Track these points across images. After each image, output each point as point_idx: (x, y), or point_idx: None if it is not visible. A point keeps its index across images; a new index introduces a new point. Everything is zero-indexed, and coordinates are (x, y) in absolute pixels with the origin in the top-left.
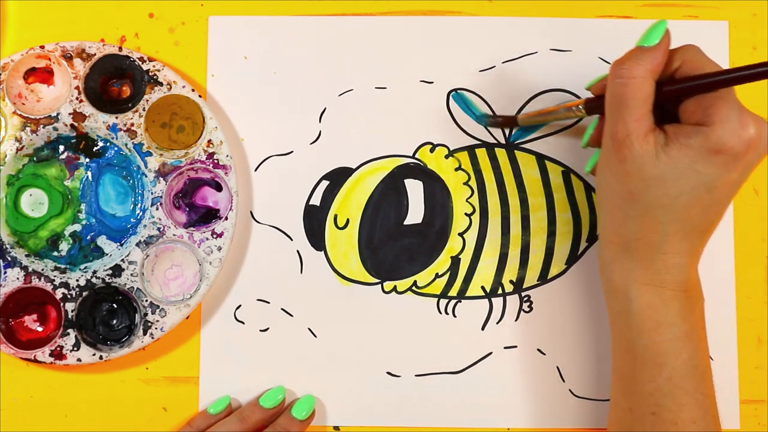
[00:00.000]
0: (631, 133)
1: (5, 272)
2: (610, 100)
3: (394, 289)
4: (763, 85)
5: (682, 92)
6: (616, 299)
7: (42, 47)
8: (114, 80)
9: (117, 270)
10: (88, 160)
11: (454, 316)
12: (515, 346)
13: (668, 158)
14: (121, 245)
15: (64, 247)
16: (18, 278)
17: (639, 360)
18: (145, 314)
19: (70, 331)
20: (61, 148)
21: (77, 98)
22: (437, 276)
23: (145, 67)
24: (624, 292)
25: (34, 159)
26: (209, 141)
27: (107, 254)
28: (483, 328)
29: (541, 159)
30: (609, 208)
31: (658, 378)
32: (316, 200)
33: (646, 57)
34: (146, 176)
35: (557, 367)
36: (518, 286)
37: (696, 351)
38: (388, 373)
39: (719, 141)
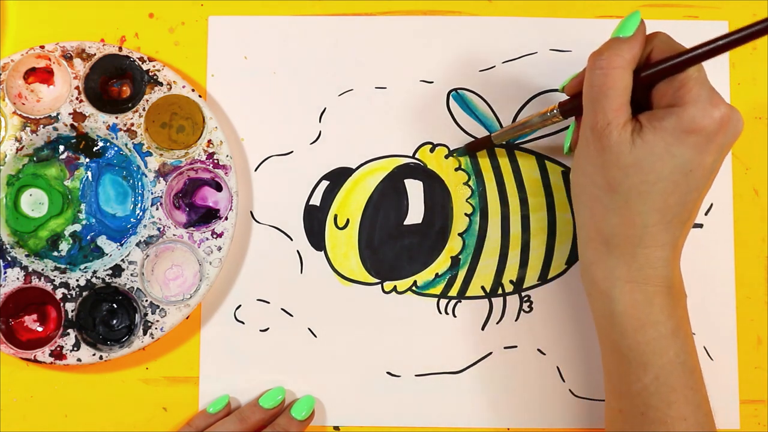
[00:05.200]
0: (611, 122)
1: (5, 272)
2: (590, 90)
3: (394, 289)
4: (763, 86)
5: (656, 76)
6: (599, 301)
7: (42, 47)
8: (114, 80)
9: (117, 270)
10: (88, 160)
11: (454, 316)
12: (515, 346)
13: (644, 143)
14: (121, 245)
15: (64, 247)
16: (18, 278)
17: (625, 360)
18: (145, 314)
19: (70, 331)
20: (61, 148)
21: (77, 98)
22: (437, 276)
23: (145, 67)
24: (607, 293)
25: (34, 159)
26: (209, 141)
27: (107, 254)
28: (483, 328)
29: (541, 159)
30: (588, 202)
31: (645, 377)
32: (316, 200)
33: (624, 47)
34: (146, 176)
35: (557, 367)
36: (518, 286)
37: (683, 347)
38: (388, 373)
39: (691, 120)
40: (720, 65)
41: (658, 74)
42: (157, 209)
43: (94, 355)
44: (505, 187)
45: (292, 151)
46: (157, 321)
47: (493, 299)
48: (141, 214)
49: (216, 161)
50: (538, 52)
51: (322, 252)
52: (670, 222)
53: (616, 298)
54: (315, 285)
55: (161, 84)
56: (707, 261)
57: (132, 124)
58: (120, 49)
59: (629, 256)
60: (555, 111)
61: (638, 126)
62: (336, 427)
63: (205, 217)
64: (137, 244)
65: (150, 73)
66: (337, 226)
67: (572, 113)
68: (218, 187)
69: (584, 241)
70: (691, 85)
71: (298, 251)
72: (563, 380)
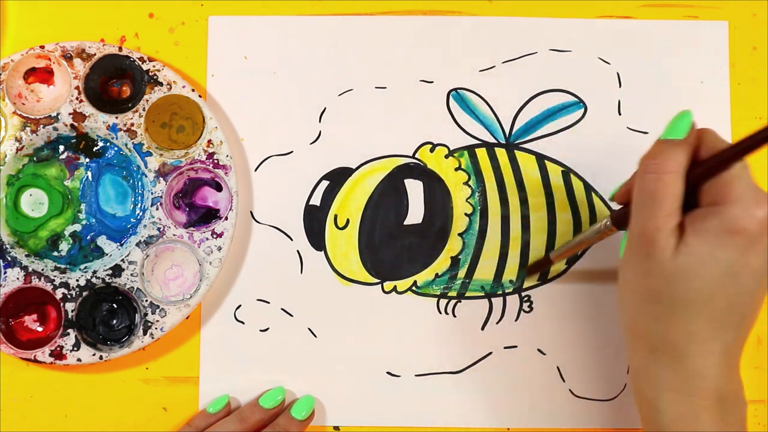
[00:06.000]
0: (660, 228)
1: (5, 272)
2: (641, 195)
3: (394, 289)
4: (763, 86)
5: (704, 176)
6: (646, 409)
7: (42, 47)
8: (114, 80)
9: (117, 270)
10: (88, 160)
11: (454, 316)
12: (515, 346)
13: (687, 248)
14: (121, 245)
15: (64, 247)
16: (18, 278)
17: None
18: (145, 314)
19: (70, 331)
20: (61, 148)
21: (77, 98)
22: (437, 276)
23: (145, 67)
24: (653, 403)
25: (34, 159)
26: (209, 141)
27: (107, 254)
28: (483, 328)
29: (541, 159)
30: (632, 311)
31: None
32: (316, 200)
33: (677, 151)
34: (146, 176)
35: (557, 367)
36: (518, 286)
37: None
38: (388, 373)
39: (734, 220)
40: (720, 65)
41: (704, 174)
42: (157, 209)
43: (94, 355)
44: (505, 187)
45: (292, 151)
46: (157, 321)
47: (493, 299)
48: (141, 214)
49: (216, 161)
50: (538, 52)
51: (322, 252)
52: (719, 329)
53: (662, 410)
54: (315, 285)
55: (161, 84)
56: None
57: (132, 124)
58: (120, 49)
59: (675, 364)
60: (607, 222)
61: (682, 229)
62: (336, 427)
63: (205, 217)
64: (137, 244)
65: (150, 73)
66: (337, 226)
67: (625, 222)
68: (218, 187)
69: (631, 348)
70: (734, 184)
71: (298, 251)
72: (563, 380)
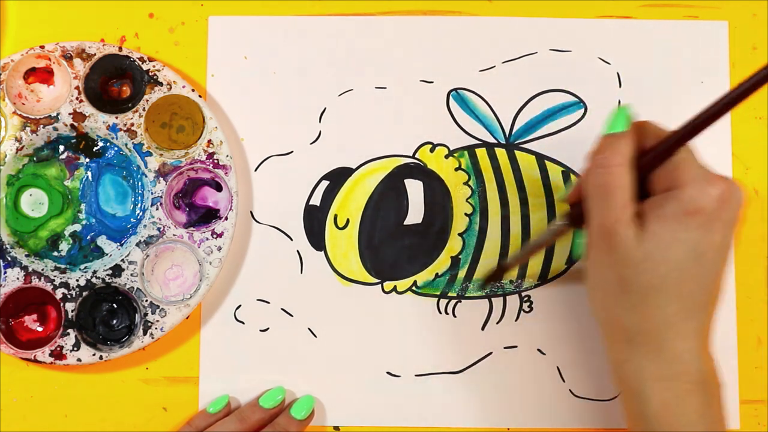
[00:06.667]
0: (618, 219)
1: (5, 272)
2: (594, 190)
3: (394, 289)
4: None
5: (651, 164)
6: (631, 401)
7: (42, 47)
8: (114, 80)
9: (117, 270)
10: (88, 160)
11: (454, 316)
12: (515, 346)
13: (650, 235)
14: (121, 245)
15: (64, 247)
16: (18, 278)
17: None
18: (145, 314)
19: (70, 331)
20: (61, 148)
21: (77, 98)
22: (437, 276)
23: (145, 67)
24: (638, 393)
25: (34, 159)
26: (209, 141)
27: (107, 254)
28: (483, 328)
29: (541, 159)
30: (604, 303)
31: None
32: (316, 200)
33: (621, 143)
34: (146, 176)
35: (557, 367)
36: (518, 286)
37: None
38: (388, 373)
39: (691, 200)
40: (720, 65)
41: (652, 162)
42: (157, 209)
43: (94, 355)
44: (505, 187)
45: (292, 151)
46: (157, 321)
47: (493, 299)
48: (141, 214)
49: (216, 161)
50: (538, 52)
51: (322, 252)
52: (691, 309)
53: (647, 399)
54: (315, 285)
55: (161, 84)
56: None
57: (132, 124)
58: (120, 49)
59: (655, 351)
60: (563, 222)
61: (642, 218)
62: (336, 427)
63: (205, 217)
64: (137, 244)
65: (150, 73)
66: (337, 226)
67: (580, 220)
68: (218, 187)
69: (609, 341)
70: (684, 167)
71: (298, 251)
72: (563, 380)
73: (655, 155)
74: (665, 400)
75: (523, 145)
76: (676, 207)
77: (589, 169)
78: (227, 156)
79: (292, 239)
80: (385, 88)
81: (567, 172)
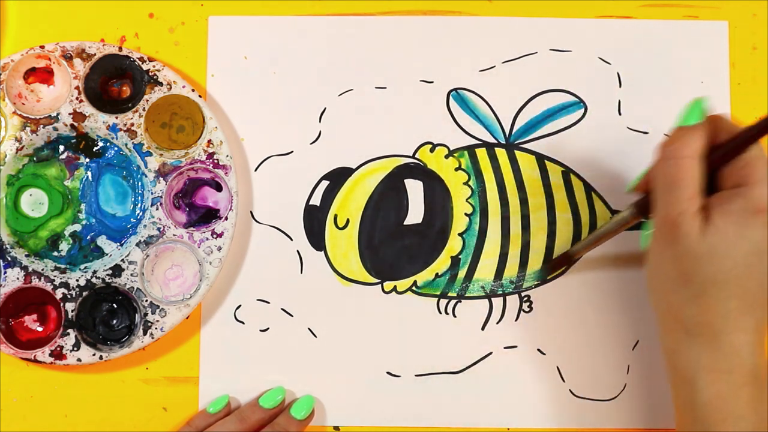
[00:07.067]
0: (684, 211)
1: (5, 272)
2: (662, 181)
3: (394, 289)
4: (763, 86)
5: (721, 160)
6: (681, 389)
7: (42, 47)
8: (114, 80)
9: (117, 270)
10: (88, 160)
11: (454, 316)
12: (515, 346)
13: (715, 230)
14: (121, 245)
15: (64, 247)
16: (18, 278)
17: None
18: (145, 314)
19: (70, 331)
20: (61, 148)
21: (77, 98)
22: (437, 276)
23: (145, 67)
24: (690, 383)
25: (34, 159)
26: (209, 141)
27: (107, 254)
28: (483, 328)
29: (541, 159)
30: (664, 295)
31: None
32: (316, 200)
33: (693, 136)
34: (146, 176)
35: (557, 367)
36: (518, 286)
37: None
38: (388, 373)
39: (759, 199)
40: (720, 65)
41: (723, 157)
42: (157, 209)
43: (94, 355)
44: (505, 187)
45: (292, 151)
46: (157, 321)
47: (493, 299)
48: (141, 214)
49: (216, 161)
50: (538, 52)
51: (322, 252)
52: (751, 305)
53: (700, 389)
54: (315, 285)
55: (161, 84)
56: None
57: (132, 124)
58: (120, 49)
59: (712, 343)
60: (630, 211)
61: (707, 212)
62: (336, 427)
63: (205, 217)
64: (137, 244)
65: (150, 73)
66: (337, 226)
67: (647, 210)
68: (218, 187)
69: (664, 330)
70: (754, 164)
71: (298, 251)
72: (563, 380)
73: (726, 151)
74: (719, 390)
75: (523, 145)
76: (742, 204)
77: (659, 160)
78: (227, 156)
79: (292, 239)
80: (385, 88)
81: (567, 172)
